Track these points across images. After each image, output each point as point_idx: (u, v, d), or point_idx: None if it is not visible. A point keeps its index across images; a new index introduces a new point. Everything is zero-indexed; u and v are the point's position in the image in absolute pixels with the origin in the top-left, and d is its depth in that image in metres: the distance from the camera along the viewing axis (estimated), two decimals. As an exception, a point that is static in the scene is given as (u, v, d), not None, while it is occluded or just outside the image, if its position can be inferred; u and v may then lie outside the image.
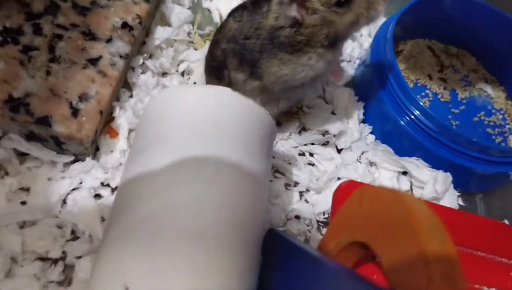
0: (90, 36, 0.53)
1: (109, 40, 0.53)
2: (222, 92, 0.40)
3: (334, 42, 0.48)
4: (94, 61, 0.51)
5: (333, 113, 0.63)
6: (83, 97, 0.49)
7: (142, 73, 0.57)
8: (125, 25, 0.55)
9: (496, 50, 0.70)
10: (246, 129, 0.39)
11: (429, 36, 0.73)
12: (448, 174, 0.58)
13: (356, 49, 0.71)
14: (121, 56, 0.53)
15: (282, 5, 0.46)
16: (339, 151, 0.60)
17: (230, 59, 0.50)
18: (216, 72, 0.53)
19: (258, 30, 0.48)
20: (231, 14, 0.52)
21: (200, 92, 0.40)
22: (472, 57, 0.73)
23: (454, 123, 0.67)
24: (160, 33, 0.60)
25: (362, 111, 0.63)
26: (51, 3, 0.53)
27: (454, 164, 0.57)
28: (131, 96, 0.55)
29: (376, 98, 0.62)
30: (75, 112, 0.48)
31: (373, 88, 0.62)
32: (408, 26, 0.69)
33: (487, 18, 0.67)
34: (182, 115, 0.39)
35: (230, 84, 0.51)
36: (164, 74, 0.60)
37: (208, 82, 0.55)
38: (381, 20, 0.73)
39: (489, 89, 0.71)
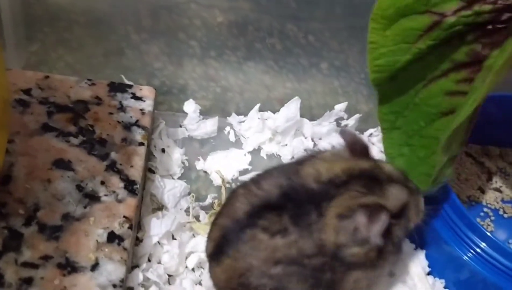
0: (69, 267, 0.39)
1: (95, 267, 0.40)
2: None
3: None
4: (80, 306, 0.38)
5: (390, 273, 0.49)
6: None
7: (144, 293, 0.43)
8: (112, 237, 0.42)
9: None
10: None
11: (463, 140, 0.62)
12: None
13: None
14: (115, 286, 0.39)
15: (343, 220, 0.37)
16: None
17: (291, 285, 0.37)
18: None
19: (322, 247, 0.37)
20: (252, 223, 0.38)
21: None
22: (519, 155, 0.62)
23: (531, 244, 0.54)
24: (157, 228, 0.47)
25: (425, 262, 0.50)
26: (10, 234, 0.40)
27: None
28: (135, 327, 0.41)
29: (437, 240, 0.49)
30: None
31: (429, 226, 0.50)
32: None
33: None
34: None
35: None
36: (170, 277, 0.46)
37: None
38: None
39: (551, 188, 0.59)
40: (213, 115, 0.63)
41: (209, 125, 0.59)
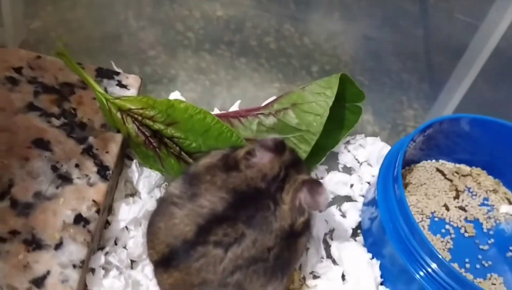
0: (35, 244, 0.42)
1: (58, 246, 0.42)
2: None
3: None
4: (39, 282, 0.40)
5: (343, 277, 0.52)
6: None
7: (104, 275, 0.45)
8: (78, 219, 0.44)
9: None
10: None
11: (436, 156, 0.64)
12: None
13: (357, 184, 0.61)
14: (74, 266, 0.42)
15: (294, 200, 0.42)
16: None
17: (251, 285, 0.40)
18: None
19: (282, 232, 0.41)
20: (202, 241, 0.39)
21: None
22: (489, 176, 0.63)
23: (486, 265, 0.56)
24: (125, 213, 0.49)
25: (378, 272, 0.52)
26: (-17, 206, 0.43)
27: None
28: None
29: (392, 253, 0.51)
30: None
31: (385, 239, 0.52)
32: (414, 152, 0.61)
33: (504, 135, 0.59)
34: None
35: None
36: (133, 262, 0.49)
37: None
38: (384, 148, 0.64)
39: (515, 212, 0.61)
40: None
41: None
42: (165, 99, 0.50)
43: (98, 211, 0.45)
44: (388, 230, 0.50)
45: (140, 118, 0.49)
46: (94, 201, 0.46)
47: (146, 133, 0.50)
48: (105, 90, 0.56)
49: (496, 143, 0.61)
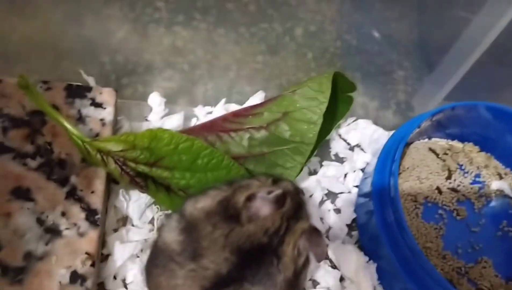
0: (35, 313, 0.42)
1: (59, 311, 0.42)
2: None
3: None
4: None
5: (342, 279, 0.53)
6: None
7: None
8: (74, 278, 0.44)
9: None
10: None
11: (429, 135, 0.63)
12: None
13: (350, 173, 0.60)
14: (79, 329, 0.42)
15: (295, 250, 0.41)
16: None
17: None
18: None
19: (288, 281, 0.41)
20: None
21: None
22: (481, 152, 0.63)
23: (477, 247, 0.57)
24: (120, 253, 0.49)
25: (375, 274, 0.53)
26: (-25, 279, 0.42)
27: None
28: None
29: (385, 255, 0.52)
30: None
31: (380, 241, 0.52)
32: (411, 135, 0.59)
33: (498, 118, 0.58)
34: None
35: None
36: (136, 294, 0.49)
37: None
38: (376, 131, 0.62)
39: (506, 187, 0.61)
40: (179, 102, 0.62)
41: (175, 120, 0.58)
42: (147, 130, 0.47)
43: (93, 264, 0.45)
44: (383, 233, 0.51)
45: (122, 159, 0.47)
46: (87, 253, 0.45)
47: (130, 173, 0.47)
48: (79, 112, 0.52)
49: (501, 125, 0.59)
